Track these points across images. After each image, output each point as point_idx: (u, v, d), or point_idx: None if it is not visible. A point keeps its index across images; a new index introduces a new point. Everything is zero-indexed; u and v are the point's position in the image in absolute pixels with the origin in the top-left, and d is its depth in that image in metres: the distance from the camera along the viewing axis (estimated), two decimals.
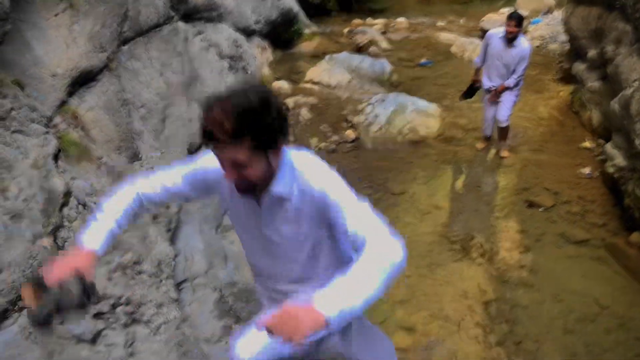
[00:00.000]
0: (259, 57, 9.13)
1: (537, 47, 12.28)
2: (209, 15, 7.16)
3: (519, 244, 5.53)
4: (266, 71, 9.20)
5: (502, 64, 6.37)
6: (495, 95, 6.62)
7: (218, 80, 6.60)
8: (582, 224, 5.84)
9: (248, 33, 8.94)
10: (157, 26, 5.43)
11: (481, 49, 6.69)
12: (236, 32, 8.18)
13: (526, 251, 5.42)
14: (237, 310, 3.54)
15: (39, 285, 1.77)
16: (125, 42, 4.75)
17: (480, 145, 7.31)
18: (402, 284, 4.87)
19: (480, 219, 5.93)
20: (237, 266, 4.48)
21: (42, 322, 1.78)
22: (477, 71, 6.80)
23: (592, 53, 7.85)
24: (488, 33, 6.54)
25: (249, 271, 4.66)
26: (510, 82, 6.44)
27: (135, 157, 4.09)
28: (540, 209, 6.08)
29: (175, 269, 3.75)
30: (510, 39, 6.18)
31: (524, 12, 14.07)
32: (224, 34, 7.49)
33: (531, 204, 6.15)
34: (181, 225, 4.22)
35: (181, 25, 6.07)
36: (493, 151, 7.24)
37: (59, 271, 1.78)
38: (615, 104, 6.11)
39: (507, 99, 6.66)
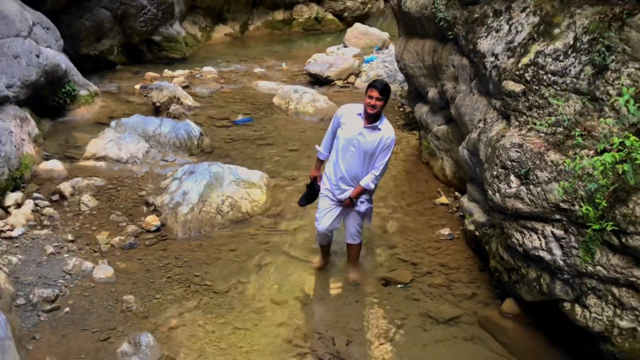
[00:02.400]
0: (17, 131, 8.69)
1: None
2: None
3: (379, 333, 5.71)
4: (29, 149, 8.76)
5: (358, 152, 5.81)
6: (350, 204, 6.07)
7: None
8: (449, 297, 6.22)
9: None
10: None
11: (328, 132, 6.13)
12: None
13: (388, 341, 5.61)
14: None
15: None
16: None
17: (317, 261, 6.73)
18: None
19: (329, 310, 6.06)
20: None
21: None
22: (320, 164, 6.34)
23: (432, 93, 8.65)
24: (340, 109, 6.04)
25: None
26: (369, 183, 5.91)
27: None
28: (398, 286, 6.37)
29: None
30: (371, 116, 5.67)
31: (354, 49, 15.24)
32: None
33: (387, 282, 6.43)
34: None
35: None
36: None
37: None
38: (463, 150, 6.73)
39: (361, 211, 6.18)
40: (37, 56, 9.72)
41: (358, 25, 16.96)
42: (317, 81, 13.72)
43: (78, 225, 7.38)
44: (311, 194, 6.42)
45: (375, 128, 5.72)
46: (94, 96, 11.64)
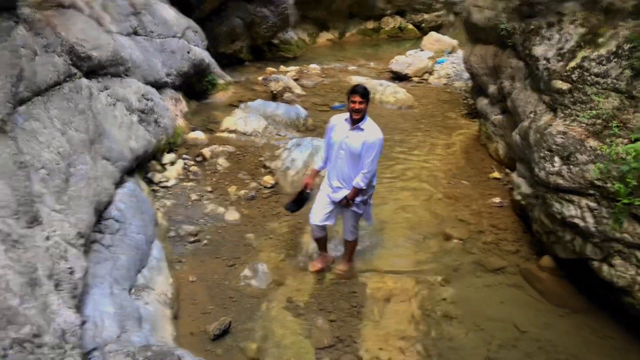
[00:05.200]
0: (173, 109, 9.03)
1: (444, 84, 12.96)
2: (115, 70, 7.03)
3: (440, 276, 5.64)
4: (181, 122, 9.09)
5: (347, 154, 5.00)
6: (347, 204, 5.19)
7: (127, 134, 6.44)
8: (497, 252, 6.07)
9: (159, 86, 8.84)
10: (57, 84, 5.26)
11: (323, 143, 5.37)
12: (146, 85, 8.07)
13: (446, 283, 5.54)
14: None
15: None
16: (21, 102, 4.56)
17: (313, 265, 5.72)
18: (327, 329, 4.82)
19: (400, 254, 6.02)
20: (153, 327, 4.29)
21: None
22: (314, 174, 5.49)
23: (492, 88, 8.35)
24: (331, 120, 5.23)
25: (166, 331, 4.48)
26: (359, 182, 5.00)
27: (35, 220, 3.87)
28: (457, 241, 6.26)
29: (83, 338, 3.53)
30: (356, 120, 4.90)
31: (429, 52, 14.85)
32: (132, 88, 7.37)
33: (447, 237, 6.33)
34: (89, 289, 4.00)
35: (85, 81, 5.92)
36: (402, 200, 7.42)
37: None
38: (516, 135, 6.49)
39: (353, 212, 5.29)
40: (188, 52, 10.00)
41: (433, 34, 16.47)
42: (398, 77, 13.48)
43: (214, 180, 7.62)
44: (298, 201, 5.55)
45: (358, 129, 4.91)
46: (228, 85, 11.88)
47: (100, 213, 4.96)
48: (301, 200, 5.52)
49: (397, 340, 4.76)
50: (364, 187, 5.05)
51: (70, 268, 3.73)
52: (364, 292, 5.39)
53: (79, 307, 3.70)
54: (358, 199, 5.16)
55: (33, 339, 2.88)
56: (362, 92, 4.87)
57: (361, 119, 4.92)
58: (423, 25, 20.10)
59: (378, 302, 5.25)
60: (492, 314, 5.09)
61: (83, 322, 3.62)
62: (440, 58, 14.72)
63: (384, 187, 7.48)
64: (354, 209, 5.24)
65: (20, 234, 3.59)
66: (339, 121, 5.10)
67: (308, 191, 5.43)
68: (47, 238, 3.84)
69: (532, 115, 6.07)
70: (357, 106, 4.85)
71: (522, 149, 6.30)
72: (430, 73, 13.68)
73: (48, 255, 3.66)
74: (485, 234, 6.39)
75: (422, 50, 15.45)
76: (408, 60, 13.98)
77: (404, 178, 7.82)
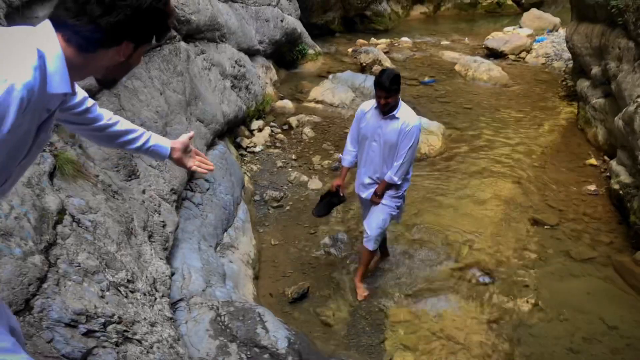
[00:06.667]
0: (263, 76, 9.19)
1: (542, 64, 12.33)
2: (211, 35, 7.22)
3: (524, 262, 5.45)
4: (270, 90, 9.24)
5: (380, 146, 4.40)
6: (377, 198, 4.56)
7: (220, 98, 6.63)
8: (588, 241, 5.77)
9: (252, 53, 9.01)
10: (158, 46, 5.47)
11: (351, 132, 4.67)
12: (239, 52, 8.25)
13: (531, 269, 5.34)
14: (232, 329, 3.50)
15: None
16: None
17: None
18: (404, 305, 4.80)
19: (484, 238, 5.85)
20: (235, 285, 4.45)
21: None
22: (345, 173, 4.79)
23: (595, 70, 7.84)
24: (359, 107, 4.60)
25: (248, 289, 4.63)
26: (392, 176, 4.40)
27: (133, 174, 4.09)
28: (545, 227, 6.01)
29: (172, 288, 3.72)
30: (385, 112, 4.28)
31: (528, 30, 14.14)
32: (227, 53, 7.55)
33: (536, 222, 6.08)
34: (178, 243, 4.20)
35: (183, 45, 6.12)
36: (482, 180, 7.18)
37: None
38: (619, 121, 6.08)
39: (383, 206, 4.58)
40: (281, 21, 10.09)
41: (534, 10, 15.65)
42: (493, 54, 12.95)
43: (299, 149, 7.72)
44: (327, 205, 4.83)
45: (393, 117, 4.28)
46: (318, 55, 11.91)
47: (192, 172, 5.16)
48: (329, 203, 4.83)
49: (475, 322, 4.66)
50: (399, 182, 4.46)
51: (162, 221, 3.92)
52: (444, 270, 5.30)
53: (168, 259, 3.89)
54: (389, 194, 4.55)
55: (127, 284, 3.06)
56: (388, 87, 4.11)
57: (392, 110, 4.29)
58: (523, 1, 19.12)
59: (458, 282, 5.15)
60: (578, 305, 4.86)
61: (172, 273, 3.81)
62: (539, 36, 13.99)
63: (473, 166, 7.31)
64: (384, 205, 4.58)
65: (119, 186, 3.81)
66: (368, 109, 4.46)
67: (341, 195, 4.77)
68: (143, 192, 4.05)
69: (639, 100, 5.65)
70: (382, 102, 4.19)
71: (625, 135, 5.90)
72: (528, 51, 13.04)
73: (144, 207, 3.86)
74: (576, 222, 6.08)
75: (520, 27, 14.75)
76: (505, 37, 13.40)
77: (495, 158, 7.56)
